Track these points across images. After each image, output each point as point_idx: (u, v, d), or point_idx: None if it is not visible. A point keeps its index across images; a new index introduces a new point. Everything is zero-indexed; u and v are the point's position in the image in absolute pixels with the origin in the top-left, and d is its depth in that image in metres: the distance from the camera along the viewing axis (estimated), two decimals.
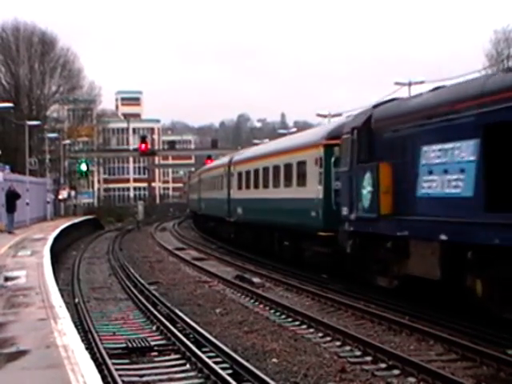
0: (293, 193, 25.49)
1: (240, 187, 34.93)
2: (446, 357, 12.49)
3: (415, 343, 13.55)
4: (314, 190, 23.00)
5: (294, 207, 25.15)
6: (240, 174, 35.09)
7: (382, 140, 17.39)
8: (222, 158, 49.18)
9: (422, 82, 44.00)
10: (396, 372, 11.58)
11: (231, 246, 36.72)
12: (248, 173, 33.20)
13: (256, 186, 31.43)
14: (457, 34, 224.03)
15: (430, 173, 14.84)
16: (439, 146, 14.55)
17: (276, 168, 27.96)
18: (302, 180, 24.64)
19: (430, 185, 14.87)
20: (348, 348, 13.38)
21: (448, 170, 14.18)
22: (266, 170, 29.58)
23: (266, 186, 29.59)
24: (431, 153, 14.85)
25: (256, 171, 31.49)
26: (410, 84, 44.69)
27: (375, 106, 18.84)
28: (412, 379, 11.12)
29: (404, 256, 16.11)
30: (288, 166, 26.25)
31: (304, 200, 23.86)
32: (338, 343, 13.81)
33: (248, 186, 33.14)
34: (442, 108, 14.70)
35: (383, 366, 11.97)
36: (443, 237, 14.14)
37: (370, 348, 12.81)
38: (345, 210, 19.41)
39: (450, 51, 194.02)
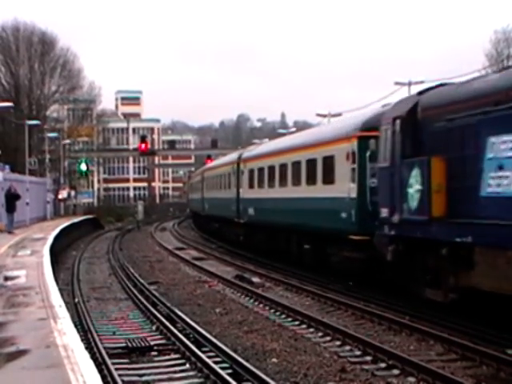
0: (317, 191, 22.95)
1: (252, 186, 32.33)
2: (445, 357, 12.49)
3: (415, 343, 13.55)
4: (344, 188, 20.45)
5: (318, 207, 22.66)
6: (252, 172, 32.41)
7: (431, 131, 15.10)
8: (229, 154, 45.94)
9: (422, 82, 44.00)
10: (396, 372, 11.58)
11: (240, 249, 34.29)
12: (261, 170, 30.56)
13: (271, 185, 28.85)
14: (457, 34, 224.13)
15: (500, 168, 12.63)
16: None
17: (296, 164, 25.35)
18: (329, 177, 21.99)
19: (499, 182, 12.66)
20: (348, 348, 13.38)
21: None
22: (283, 166, 27.02)
23: (283, 184, 27.09)
24: (501, 144, 12.63)
25: (271, 168, 28.83)
26: (409, 84, 44.73)
27: (420, 93, 16.55)
28: (412, 379, 11.12)
29: (465, 266, 13.64)
30: (311, 162, 23.67)
31: (332, 199, 21.39)
32: (337, 343, 13.81)
33: (261, 185, 30.56)
34: None
35: (383, 365, 11.97)
36: None
37: (369, 348, 12.81)
38: (384, 212, 16.92)
39: (450, 51, 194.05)
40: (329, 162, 22.00)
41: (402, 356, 11.97)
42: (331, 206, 21.41)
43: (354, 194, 19.88)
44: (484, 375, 11.28)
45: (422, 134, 15.52)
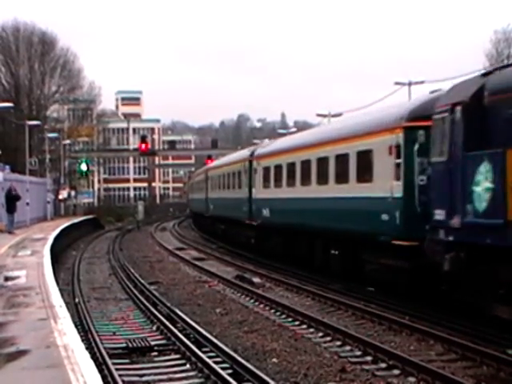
0: (350, 191, 20.44)
1: (267, 185, 29.84)
2: (446, 357, 12.49)
3: (415, 343, 13.55)
4: (385, 186, 17.96)
5: (351, 208, 20.28)
6: (267, 170, 29.83)
7: (504, 118, 12.66)
8: (239, 151, 43.49)
9: (422, 82, 44.07)
10: (396, 372, 11.58)
11: (252, 253, 32.17)
12: (279, 168, 27.97)
13: (291, 184, 26.23)
14: (457, 34, 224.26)
15: None
16: None
17: (322, 161, 22.79)
18: (365, 174, 19.47)
19: None
20: (348, 348, 13.38)
21: None
22: (305, 163, 24.45)
23: (305, 182, 24.52)
24: None
25: (291, 165, 26.26)
26: (409, 84, 44.73)
27: (485, 74, 14.03)
28: (412, 379, 11.13)
29: None
30: (342, 158, 21.08)
31: (370, 199, 18.95)
32: (338, 343, 13.81)
33: (279, 184, 27.98)
34: None
35: (383, 365, 11.97)
36: None
37: (370, 348, 12.81)
38: (440, 214, 14.38)
39: (450, 51, 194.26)
40: (365, 156, 19.53)
41: (402, 356, 11.98)
42: (368, 206, 19.07)
43: (398, 193, 17.40)
44: (484, 375, 11.28)
45: (490, 122, 13.13)
